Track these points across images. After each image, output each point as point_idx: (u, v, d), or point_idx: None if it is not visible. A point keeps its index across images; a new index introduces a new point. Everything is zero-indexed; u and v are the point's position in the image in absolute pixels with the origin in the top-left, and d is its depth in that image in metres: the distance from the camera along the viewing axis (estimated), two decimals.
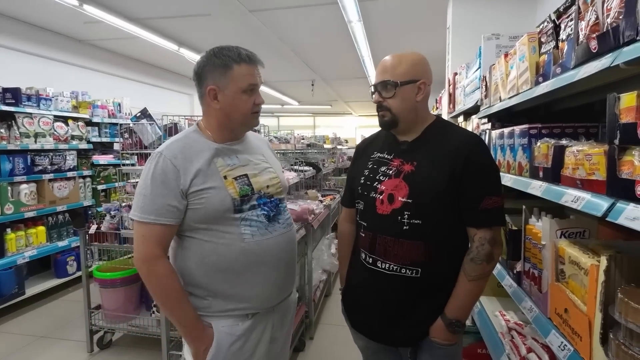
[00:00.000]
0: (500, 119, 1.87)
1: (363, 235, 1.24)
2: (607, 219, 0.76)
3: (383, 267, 1.18)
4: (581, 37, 0.93)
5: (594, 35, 0.85)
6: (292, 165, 4.02)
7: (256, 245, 1.17)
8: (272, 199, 1.24)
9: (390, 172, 1.20)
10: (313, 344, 2.80)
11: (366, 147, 1.37)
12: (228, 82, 1.14)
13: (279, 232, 1.23)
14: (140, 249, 1.10)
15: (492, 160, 1.18)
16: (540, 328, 1.13)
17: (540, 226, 1.23)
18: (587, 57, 0.89)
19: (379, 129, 1.38)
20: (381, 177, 1.21)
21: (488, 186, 1.13)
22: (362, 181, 1.26)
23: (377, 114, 1.24)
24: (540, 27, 1.23)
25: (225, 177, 1.16)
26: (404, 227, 1.14)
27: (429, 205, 1.14)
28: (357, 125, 15.02)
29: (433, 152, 1.17)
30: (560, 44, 1.10)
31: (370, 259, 1.21)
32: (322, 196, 4.12)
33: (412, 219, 1.14)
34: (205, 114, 1.23)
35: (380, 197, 1.19)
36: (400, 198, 1.15)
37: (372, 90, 1.24)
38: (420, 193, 1.14)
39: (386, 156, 1.25)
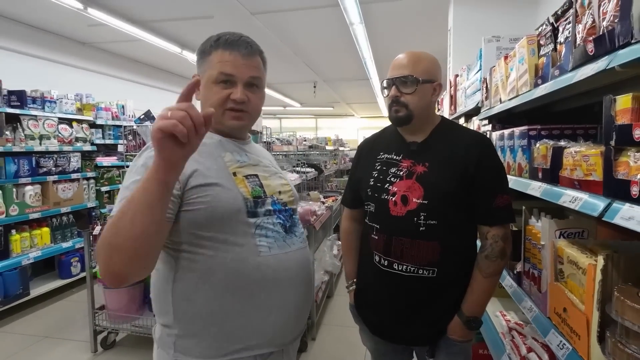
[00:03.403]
0: (501, 120, 1.88)
1: (376, 237, 1.22)
2: (604, 218, 0.77)
3: (400, 269, 1.18)
4: (578, 40, 0.94)
5: (591, 38, 0.86)
6: (294, 166, 4.04)
7: (274, 261, 0.95)
8: (287, 208, 1.05)
9: (401, 173, 1.20)
10: (315, 344, 2.81)
11: (370, 147, 1.35)
12: (204, 70, 0.99)
13: (298, 246, 1.03)
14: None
15: (500, 159, 1.22)
16: (539, 327, 1.14)
17: (540, 227, 1.24)
18: (584, 59, 0.90)
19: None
20: (392, 179, 1.21)
21: (499, 185, 1.17)
22: (371, 183, 1.25)
23: (389, 109, 1.22)
24: (539, 29, 1.25)
25: (234, 174, 0.97)
26: (421, 228, 1.15)
27: (444, 205, 1.15)
28: (359, 126, 15.04)
29: (444, 153, 1.18)
30: (558, 46, 1.11)
31: (386, 262, 1.20)
32: (324, 197, 4.14)
33: (428, 220, 1.14)
34: None
35: (393, 199, 1.18)
36: (414, 199, 1.15)
37: (386, 84, 1.22)
38: (435, 194, 1.14)
39: (394, 157, 1.24)
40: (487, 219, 1.17)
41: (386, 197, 1.20)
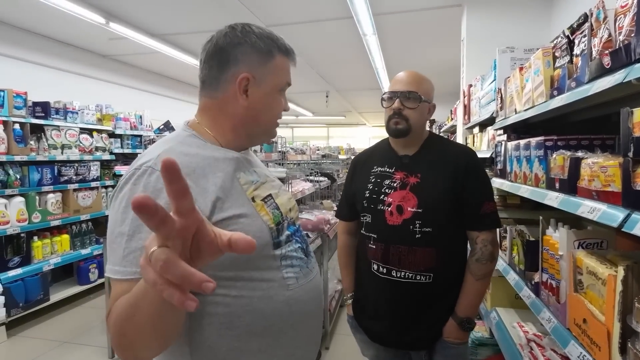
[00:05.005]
0: (516, 130, 1.88)
1: (374, 246, 1.28)
2: (623, 229, 0.78)
3: (398, 275, 1.23)
4: (594, 53, 0.95)
5: (607, 51, 0.88)
6: (307, 175, 4.07)
7: (302, 292, 0.86)
8: (297, 226, 0.94)
9: (395, 184, 1.27)
10: (328, 354, 2.80)
11: (364, 162, 1.42)
12: (267, 74, 0.84)
13: (316, 269, 0.94)
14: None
15: (484, 170, 1.31)
16: (559, 339, 1.14)
17: (558, 237, 1.24)
18: (600, 72, 0.92)
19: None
20: (386, 190, 1.27)
21: (486, 192, 1.25)
22: (367, 195, 1.31)
23: (388, 120, 1.28)
24: (555, 42, 1.26)
25: (253, 200, 0.83)
26: (417, 236, 1.21)
27: (438, 213, 1.21)
28: (371, 135, 15.05)
29: (435, 164, 1.26)
30: (574, 58, 1.12)
31: (385, 269, 1.25)
32: (337, 206, 4.15)
33: (424, 227, 1.21)
34: (211, 109, 0.86)
35: (389, 209, 1.25)
36: (409, 208, 1.22)
37: (388, 97, 1.28)
38: (429, 202, 1.21)
39: (387, 170, 1.31)
40: (476, 224, 1.25)
41: (382, 207, 1.26)
